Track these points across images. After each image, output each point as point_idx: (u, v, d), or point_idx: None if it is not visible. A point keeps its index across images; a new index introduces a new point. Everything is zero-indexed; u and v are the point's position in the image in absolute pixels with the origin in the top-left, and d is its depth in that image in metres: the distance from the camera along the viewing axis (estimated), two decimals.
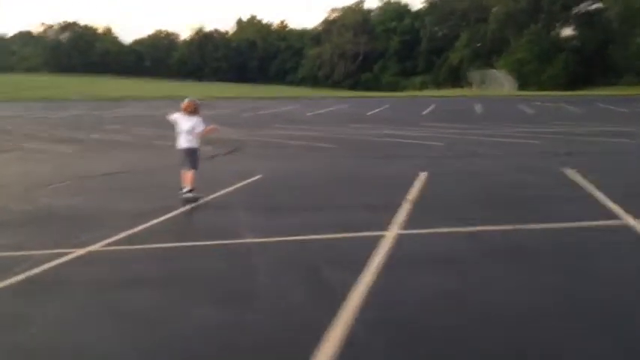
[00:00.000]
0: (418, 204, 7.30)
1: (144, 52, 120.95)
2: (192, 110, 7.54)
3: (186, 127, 7.50)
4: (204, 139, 8.19)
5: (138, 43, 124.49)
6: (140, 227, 6.41)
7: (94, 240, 5.88)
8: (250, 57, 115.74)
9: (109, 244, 5.81)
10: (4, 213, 7.58)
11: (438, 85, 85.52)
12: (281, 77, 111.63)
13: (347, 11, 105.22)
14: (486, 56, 79.35)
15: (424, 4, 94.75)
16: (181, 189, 7.54)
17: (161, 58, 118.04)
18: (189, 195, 7.53)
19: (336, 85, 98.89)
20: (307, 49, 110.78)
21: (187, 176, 7.50)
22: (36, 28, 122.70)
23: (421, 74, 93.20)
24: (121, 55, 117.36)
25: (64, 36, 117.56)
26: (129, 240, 5.99)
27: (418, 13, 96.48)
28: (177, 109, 7.83)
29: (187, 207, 7.49)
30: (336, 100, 43.75)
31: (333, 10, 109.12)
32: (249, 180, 9.27)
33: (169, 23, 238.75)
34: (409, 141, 14.86)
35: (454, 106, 32.82)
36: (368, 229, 6.05)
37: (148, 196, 8.20)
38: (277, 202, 7.80)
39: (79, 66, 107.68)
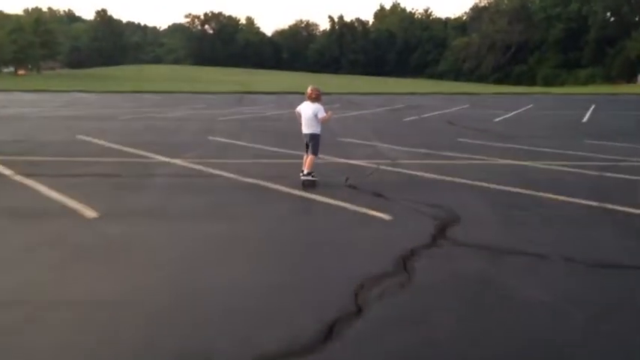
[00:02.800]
0: None
1: (282, 44, 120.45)
2: (315, 97, 7.71)
3: (309, 113, 7.67)
4: None
5: (278, 33, 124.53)
6: None
7: None
8: (389, 49, 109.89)
9: None
10: None
11: (610, 80, 72.76)
12: (420, 70, 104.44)
13: None
14: None
15: None
16: (302, 171, 7.59)
17: (299, 51, 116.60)
18: (308, 178, 7.49)
19: (482, 79, 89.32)
20: (451, 39, 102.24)
21: (308, 160, 7.58)
22: (183, 20, 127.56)
23: (588, 67, 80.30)
24: (260, 46, 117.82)
25: (209, 27, 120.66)
26: None
27: None
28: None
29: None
30: (514, 98, 35.88)
31: None
32: None
33: (311, 12, 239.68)
34: None
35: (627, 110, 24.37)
36: None
37: None
38: None
39: (221, 58, 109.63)
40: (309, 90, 7.76)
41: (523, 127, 16.06)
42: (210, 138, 12.37)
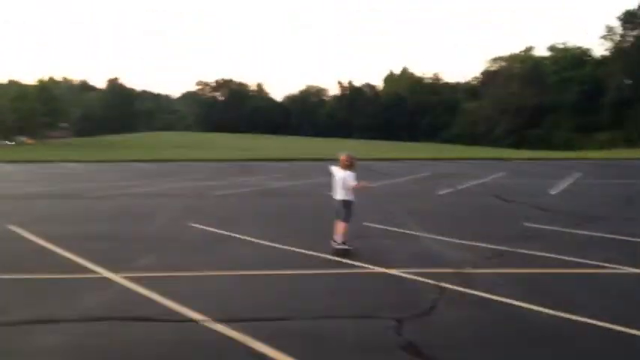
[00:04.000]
0: None
1: (292, 108, 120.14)
2: (348, 165, 7.41)
3: (340, 181, 7.42)
4: None
5: (289, 98, 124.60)
6: None
7: None
8: (399, 113, 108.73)
9: None
10: None
11: (631, 143, 69.83)
12: (431, 134, 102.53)
13: (513, 60, 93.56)
14: None
15: (609, 50, 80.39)
16: (334, 240, 7.23)
17: (309, 115, 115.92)
18: (343, 247, 7.13)
19: (497, 142, 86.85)
20: (462, 103, 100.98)
21: (339, 227, 7.26)
22: (194, 87, 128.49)
23: (606, 130, 77.69)
24: (270, 111, 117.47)
25: (219, 94, 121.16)
26: None
27: (602, 60, 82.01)
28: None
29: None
30: (550, 164, 31.77)
31: (495, 60, 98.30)
32: None
33: (320, 78, 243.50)
34: None
35: None
36: None
37: None
38: None
39: (232, 123, 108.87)
40: (342, 157, 7.53)
41: (595, 203, 12.74)
42: (192, 225, 9.23)
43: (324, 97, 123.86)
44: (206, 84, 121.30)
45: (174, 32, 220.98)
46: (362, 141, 79.17)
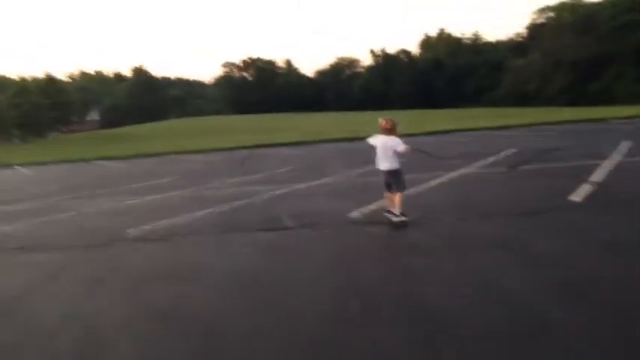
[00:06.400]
0: None
1: (324, 83, 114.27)
2: (390, 129, 7.03)
3: (385, 148, 7.03)
4: None
5: (320, 73, 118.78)
6: None
7: None
8: (439, 78, 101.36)
9: None
10: None
11: None
12: (476, 97, 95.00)
13: (562, 9, 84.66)
14: None
15: None
16: (387, 211, 7.03)
17: (342, 89, 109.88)
18: (402, 219, 6.87)
19: (551, 101, 78.86)
20: (507, 62, 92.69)
21: (395, 199, 6.94)
22: (222, 69, 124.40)
23: None
24: (301, 88, 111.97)
25: (247, 74, 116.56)
26: None
27: None
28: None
29: None
30: None
31: (542, 11, 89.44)
32: None
33: (352, 49, 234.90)
34: None
35: None
36: None
37: None
38: None
39: (261, 103, 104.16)
40: (382, 122, 7.20)
41: None
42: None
43: (359, 69, 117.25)
44: (233, 65, 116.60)
45: (196, 15, 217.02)
46: (404, 112, 72.64)
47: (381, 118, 7.25)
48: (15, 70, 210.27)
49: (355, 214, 8.23)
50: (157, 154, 30.10)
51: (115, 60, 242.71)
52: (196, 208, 10.27)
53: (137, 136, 62.32)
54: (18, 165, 30.65)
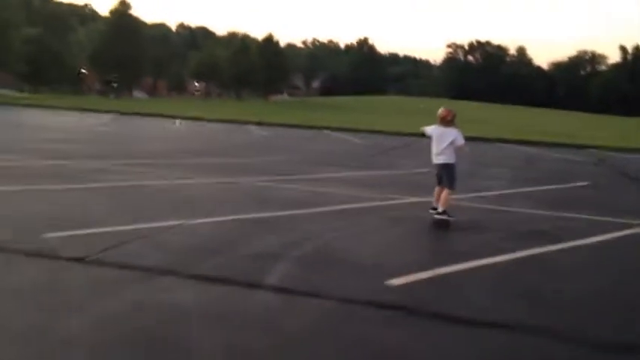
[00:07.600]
0: None
1: (558, 78, 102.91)
2: (451, 120, 6.67)
3: (443, 139, 6.65)
4: None
5: (554, 66, 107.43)
6: None
7: None
8: None
9: None
10: None
11: None
12: None
13: None
14: None
15: None
16: (433, 208, 6.71)
17: (578, 87, 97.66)
18: (443, 217, 6.53)
19: None
20: None
21: (441, 195, 6.62)
22: (445, 50, 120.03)
23: None
24: (530, 80, 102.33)
25: (473, 58, 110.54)
26: None
27: None
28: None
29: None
30: None
31: None
32: None
33: (595, 43, 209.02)
34: None
35: None
36: None
37: None
38: None
39: (482, 91, 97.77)
40: (443, 112, 6.75)
41: None
42: None
43: (603, 67, 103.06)
44: (458, 46, 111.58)
45: None
46: None
47: (442, 108, 6.82)
48: (252, 32, 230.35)
49: None
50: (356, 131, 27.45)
51: (345, 32, 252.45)
52: None
53: (357, 108, 62.49)
54: (252, 124, 31.35)
